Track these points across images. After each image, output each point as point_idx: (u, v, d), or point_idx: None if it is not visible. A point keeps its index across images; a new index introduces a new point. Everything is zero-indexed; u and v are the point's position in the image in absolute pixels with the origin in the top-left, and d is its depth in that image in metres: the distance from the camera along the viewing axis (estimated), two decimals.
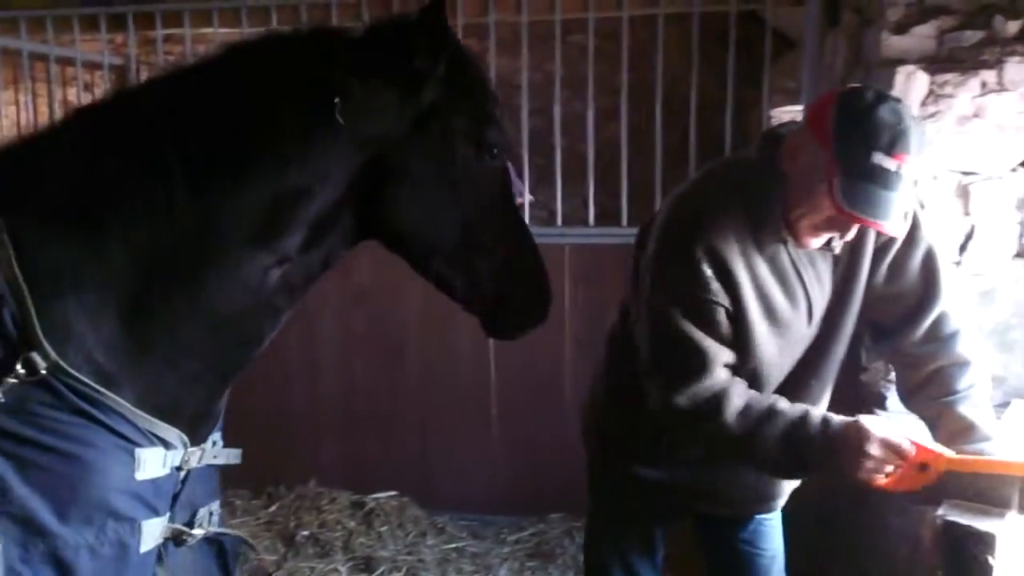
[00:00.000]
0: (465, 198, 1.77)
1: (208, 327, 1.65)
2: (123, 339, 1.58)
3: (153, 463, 1.62)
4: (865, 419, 1.89)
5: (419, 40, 1.64)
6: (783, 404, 1.96)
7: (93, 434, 1.54)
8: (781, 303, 2.02)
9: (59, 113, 4.91)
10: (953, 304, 2.11)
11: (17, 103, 5.73)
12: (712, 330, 1.98)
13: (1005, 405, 2.65)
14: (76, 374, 1.53)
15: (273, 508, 4.33)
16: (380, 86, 1.66)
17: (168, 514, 1.69)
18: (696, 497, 2.27)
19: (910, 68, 2.78)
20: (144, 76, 5.44)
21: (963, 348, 2.08)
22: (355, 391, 4.52)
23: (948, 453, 1.88)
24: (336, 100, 1.60)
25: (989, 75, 2.75)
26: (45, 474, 1.51)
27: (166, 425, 1.65)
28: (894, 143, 1.79)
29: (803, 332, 2.08)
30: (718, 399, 1.94)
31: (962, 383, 2.05)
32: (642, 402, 2.10)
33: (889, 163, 1.78)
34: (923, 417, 2.11)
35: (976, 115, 2.77)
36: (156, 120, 1.64)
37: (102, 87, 5.92)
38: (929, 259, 2.09)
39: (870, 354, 2.78)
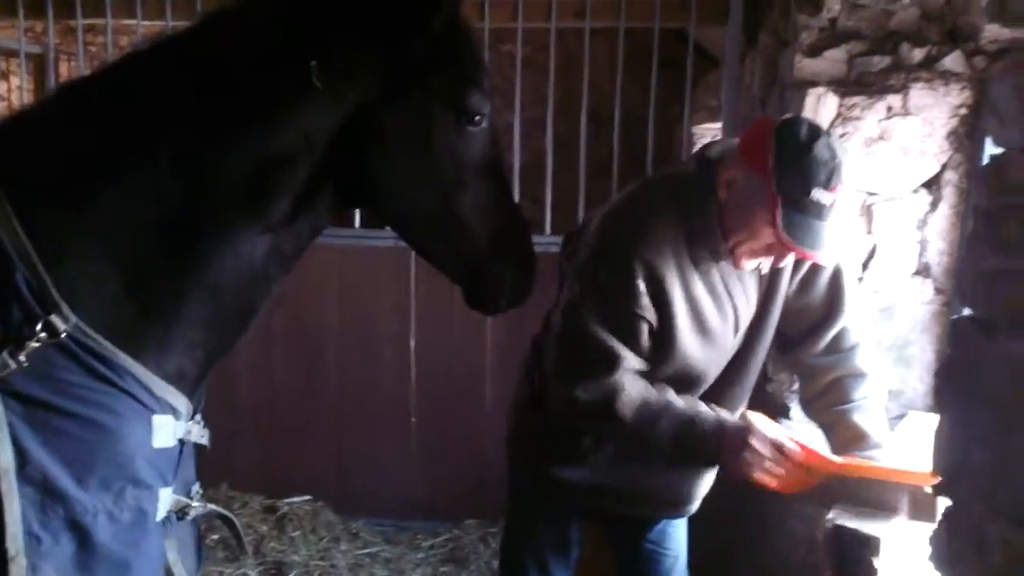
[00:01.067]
0: (444, 165, 1.72)
1: (206, 295, 1.65)
2: (129, 307, 1.58)
3: (165, 432, 1.63)
4: (755, 418, 1.99)
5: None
6: (678, 401, 2.04)
7: (112, 399, 1.55)
8: (712, 316, 2.09)
9: None
10: (854, 319, 2.20)
11: None
12: (627, 339, 2.04)
13: (902, 417, 2.76)
14: (96, 336, 1.53)
15: None
16: (359, 47, 1.62)
17: (173, 486, 1.69)
18: (611, 498, 2.31)
19: (820, 90, 2.89)
20: (63, 66, 5.37)
21: (861, 361, 2.18)
22: (272, 395, 4.46)
23: (833, 458, 1.97)
24: (313, 63, 1.58)
25: (895, 99, 2.87)
26: (65, 439, 1.51)
27: (176, 391, 1.66)
28: (831, 178, 1.89)
29: (730, 343, 2.16)
30: (616, 394, 2.01)
31: (858, 393, 2.14)
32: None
33: (827, 198, 1.89)
34: (820, 424, 2.21)
35: (881, 138, 2.89)
36: (141, 92, 1.64)
37: (19, 75, 5.76)
38: (836, 277, 2.19)
39: (775, 365, 2.87)
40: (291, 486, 4.35)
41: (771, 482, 1.96)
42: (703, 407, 2.04)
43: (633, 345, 2.04)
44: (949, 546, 1.45)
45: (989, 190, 1.39)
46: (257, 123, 1.62)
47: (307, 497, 4.32)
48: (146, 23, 4.36)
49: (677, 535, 2.45)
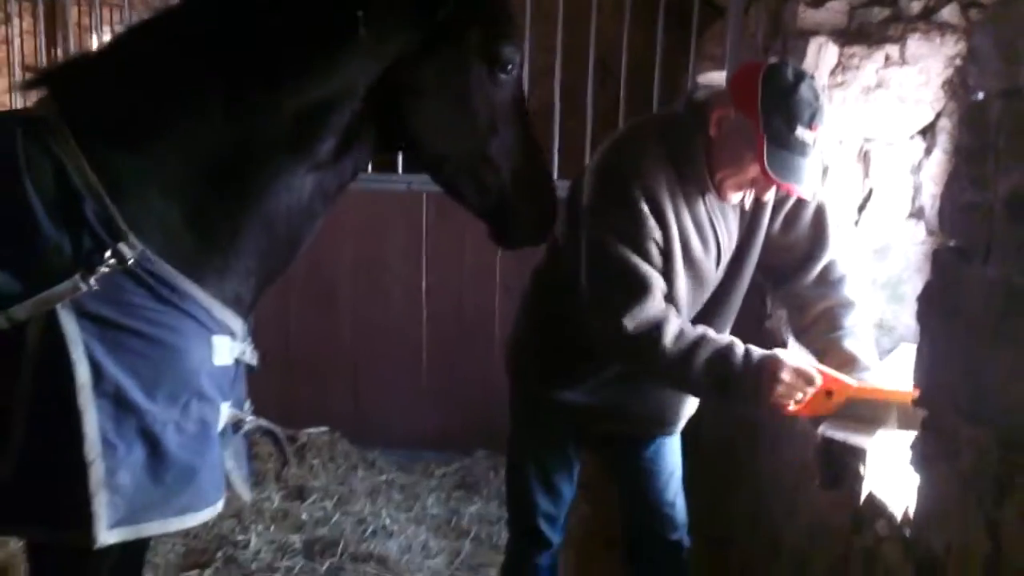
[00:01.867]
0: (477, 111, 1.87)
1: (260, 229, 1.81)
2: (189, 238, 1.73)
3: (224, 351, 1.79)
4: (781, 352, 2.13)
5: None
6: (712, 334, 2.18)
7: (176, 320, 1.70)
8: (696, 246, 2.25)
9: None
10: (841, 253, 2.37)
11: None
12: (651, 260, 2.18)
13: (894, 350, 2.93)
14: (160, 262, 1.68)
15: None
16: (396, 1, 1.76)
17: (230, 401, 1.85)
18: (606, 418, 2.49)
19: (822, 40, 3.00)
20: (73, 11, 5.44)
21: (849, 291, 2.36)
22: (291, 334, 4.62)
23: (851, 382, 2.14)
24: (360, 13, 1.71)
25: (893, 49, 2.99)
26: (135, 356, 1.66)
27: (233, 315, 1.81)
28: (813, 118, 2.06)
29: (711, 274, 2.32)
30: (659, 324, 2.13)
31: (847, 321, 2.31)
32: (561, 332, 2.33)
33: (808, 136, 2.05)
34: (812, 351, 2.37)
35: (879, 86, 3.01)
36: (197, 40, 1.77)
37: (35, 22, 5.84)
38: (820, 213, 2.35)
39: (773, 302, 3.05)
40: (310, 420, 4.54)
41: (797, 408, 2.12)
42: (736, 341, 2.18)
43: (655, 265, 2.18)
44: (925, 451, 1.63)
45: (969, 131, 1.54)
46: (306, 69, 1.75)
47: (324, 428, 4.51)
48: None
49: (671, 453, 2.61)
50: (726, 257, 2.32)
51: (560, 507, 2.65)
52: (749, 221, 2.32)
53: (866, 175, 3.08)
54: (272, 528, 3.73)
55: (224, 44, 1.77)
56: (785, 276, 2.42)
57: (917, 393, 1.93)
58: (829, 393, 2.10)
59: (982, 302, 1.43)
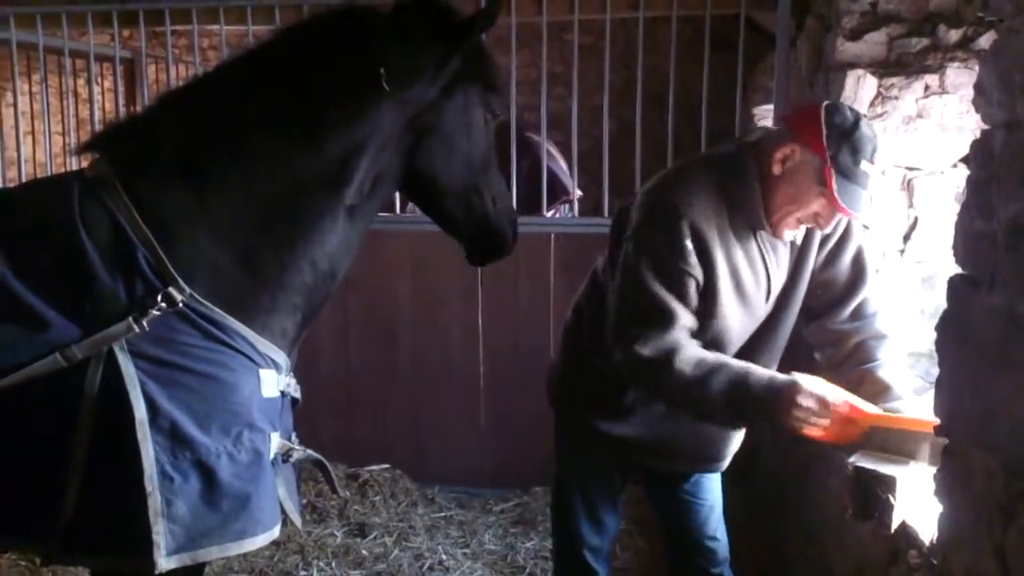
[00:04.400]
0: (475, 151, 2.16)
1: (306, 265, 1.96)
2: (238, 276, 1.88)
3: (271, 383, 1.92)
4: (802, 377, 2.13)
5: (476, 22, 2.02)
6: (730, 361, 2.22)
7: (226, 356, 1.84)
8: (748, 281, 2.30)
9: (70, 101, 5.15)
10: (875, 289, 2.39)
11: (31, 93, 6.02)
12: (681, 296, 2.23)
13: None
14: (208, 304, 1.82)
15: None
16: (416, 59, 1.99)
17: (279, 432, 1.97)
18: (649, 452, 2.52)
19: (860, 72, 3.03)
20: (150, 69, 5.75)
21: (881, 325, 2.39)
22: (351, 372, 4.74)
23: (873, 411, 2.13)
24: (381, 71, 1.93)
25: (932, 79, 3.00)
26: (189, 392, 1.79)
27: (277, 349, 1.95)
28: (874, 152, 2.18)
29: (761, 309, 2.37)
30: (675, 351, 2.18)
31: (881, 353, 2.34)
32: (604, 364, 2.34)
33: (871, 168, 2.16)
34: (847, 382, 2.37)
35: (920, 115, 3.02)
36: (239, 96, 1.95)
37: (111, 79, 6.17)
38: (859, 254, 2.40)
39: (808, 338, 3.04)
40: (370, 456, 4.63)
41: (819, 434, 2.11)
42: (754, 366, 2.20)
43: (685, 302, 2.23)
44: (945, 479, 1.64)
45: (976, 161, 1.57)
46: (340, 118, 1.92)
47: (386, 466, 4.60)
48: (229, 28, 4.67)
49: (712, 486, 2.63)
50: (776, 291, 2.36)
51: (605, 538, 2.68)
52: (797, 258, 2.37)
53: (911, 204, 3.08)
54: (334, 564, 3.81)
55: (266, 99, 1.93)
56: (821, 312, 2.45)
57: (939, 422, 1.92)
58: (850, 420, 2.09)
59: (988, 329, 1.45)
